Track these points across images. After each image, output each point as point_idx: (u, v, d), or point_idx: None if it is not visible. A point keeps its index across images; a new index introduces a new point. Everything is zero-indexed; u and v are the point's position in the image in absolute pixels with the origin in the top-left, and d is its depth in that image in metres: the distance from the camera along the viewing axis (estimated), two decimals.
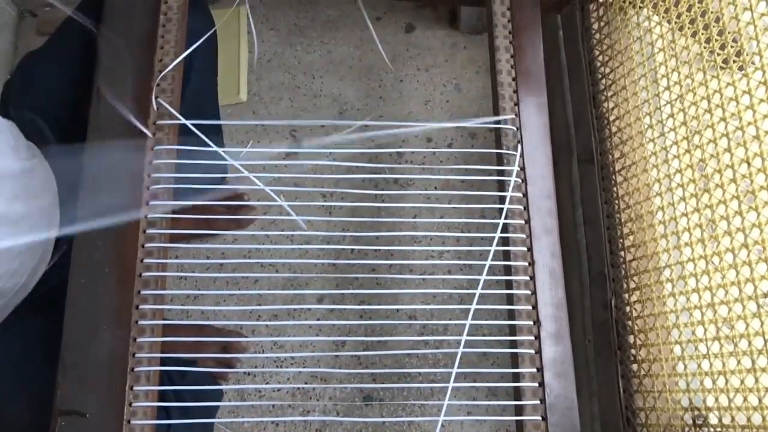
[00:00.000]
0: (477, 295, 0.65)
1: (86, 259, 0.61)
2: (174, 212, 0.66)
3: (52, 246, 0.67)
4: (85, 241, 0.62)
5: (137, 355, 0.60)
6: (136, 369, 0.59)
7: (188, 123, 0.63)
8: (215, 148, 0.63)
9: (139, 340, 0.60)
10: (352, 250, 1.09)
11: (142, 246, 0.63)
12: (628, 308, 0.74)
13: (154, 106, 0.67)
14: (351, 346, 1.04)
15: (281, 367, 1.03)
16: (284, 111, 1.19)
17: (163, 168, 0.65)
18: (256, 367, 1.05)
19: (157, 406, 0.60)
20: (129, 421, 0.58)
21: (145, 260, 0.63)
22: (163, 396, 0.67)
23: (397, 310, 1.05)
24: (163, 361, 0.61)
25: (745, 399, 0.57)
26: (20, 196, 0.59)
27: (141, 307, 0.61)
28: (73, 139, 0.65)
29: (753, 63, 0.61)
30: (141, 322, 0.61)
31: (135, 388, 0.59)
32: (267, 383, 1.03)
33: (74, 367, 0.58)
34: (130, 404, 0.58)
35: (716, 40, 0.65)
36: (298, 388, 1.03)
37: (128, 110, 0.64)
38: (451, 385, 0.64)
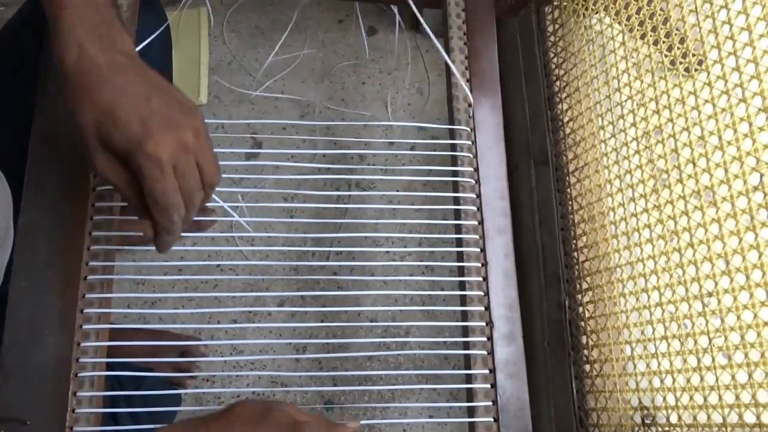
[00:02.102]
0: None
1: (28, 260, 0.59)
2: (124, 214, 0.65)
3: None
4: (28, 242, 0.60)
5: (81, 360, 0.58)
6: (79, 374, 0.58)
7: None
8: None
9: (83, 344, 0.59)
10: (314, 253, 1.08)
11: (87, 248, 0.61)
12: (581, 309, 0.74)
13: None
14: (312, 349, 1.03)
15: (241, 371, 1.02)
16: (245, 113, 1.18)
17: None
18: (215, 371, 1.04)
19: (102, 413, 0.59)
20: (72, 428, 0.56)
21: (91, 263, 0.61)
22: (113, 402, 0.65)
23: (359, 313, 1.04)
24: (112, 367, 0.60)
25: (691, 398, 0.57)
26: None
27: (86, 311, 0.60)
28: (22, 140, 0.63)
29: (698, 66, 0.62)
30: (85, 327, 0.59)
31: (78, 394, 0.57)
32: (226, 388, 1.02)
33: (15, 372, 0.57)
34: (73, 410, 0.57)
35: (664, 42, 0.66)
36: (258, 393, 1.02)
37: None
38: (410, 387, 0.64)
